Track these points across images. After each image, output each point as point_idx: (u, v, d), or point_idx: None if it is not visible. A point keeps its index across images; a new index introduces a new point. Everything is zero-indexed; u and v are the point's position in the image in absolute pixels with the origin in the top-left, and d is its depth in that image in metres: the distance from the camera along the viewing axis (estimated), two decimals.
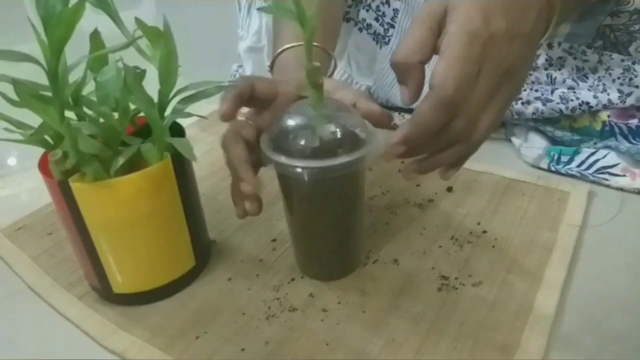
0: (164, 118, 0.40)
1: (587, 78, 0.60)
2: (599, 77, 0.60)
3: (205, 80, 0.42)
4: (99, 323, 0.42)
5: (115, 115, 0.39)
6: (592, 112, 0.59)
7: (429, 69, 0.36)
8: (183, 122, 0.43)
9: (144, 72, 0.40)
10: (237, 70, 0.83)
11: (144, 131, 0.41)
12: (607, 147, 0.57)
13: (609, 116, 0.58)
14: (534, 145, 0.62)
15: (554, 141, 0.62)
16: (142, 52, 0.39)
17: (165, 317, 0.42)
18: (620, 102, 0.57)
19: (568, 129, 0.62)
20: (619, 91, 0.58)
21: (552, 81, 0.62)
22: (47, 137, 0.39)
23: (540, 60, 0.62)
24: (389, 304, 0.42)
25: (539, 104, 0.61)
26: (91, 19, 0.37)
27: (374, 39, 0.70)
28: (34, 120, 0.37)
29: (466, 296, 0.42)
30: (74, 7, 0.31)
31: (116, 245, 0.40)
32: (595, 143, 0.59)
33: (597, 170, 0.56)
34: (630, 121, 0.58)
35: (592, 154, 0.57)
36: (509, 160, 0.62)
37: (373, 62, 0.72)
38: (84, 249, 0.40)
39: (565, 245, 0.47)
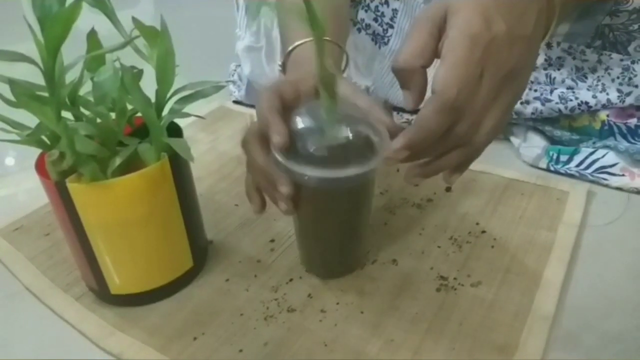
0: (161, 118, 0.40)
1: (586, 78, 0.60)
2: (598, 76, 0.59)
3: (203, 80, 0.41)
4: (96, 324, 0.41)
5: (113, 115, 0.39)
6: (591, 111, 0.59)
7: (430, 73, 0.35)
8: (181, 122, 0.43)
9: (141, 72, 0.40)
10: (235, 70, 0.83)
11: (141, 131, 0.41)
12: (606, 146, 0.57)
13: (608, 116, 0.58)
14: (533, 144, 0.61)
15: (553, 141, 0.62)
16: (139, 51, 0.39)
17: (162, 318, 0.42)
18: (620, 101, 0.57)
19: (567, 128, 0.62)
20: (618, 91, 0.58)
21: (551, 81, 0.62)
22: (43, 138, 0.39)
23: (540, 60, 0.62)
24: (387, 305, 0.42)
25: (538, 104, 0.61)
26: (88, 19, 0.37)
27: (372, 40, 0.70)
28: (30, 120, 0.36)
29: (465, 296, 0.42)
30: (71, 7, 0.30)
31: (113, 246, 0.40)
32: (594, 143, 0.59)
33: (596, 170, 0.56)
34: (629, 121, 0.57)
35: (591, 153, 0.57)
36: (508, 160, 0.62)
37: (372, 62, 0.72)
38: (81, 249, 0.40)
39: (564, 245, 0.47)
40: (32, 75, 0.34)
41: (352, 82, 0.73)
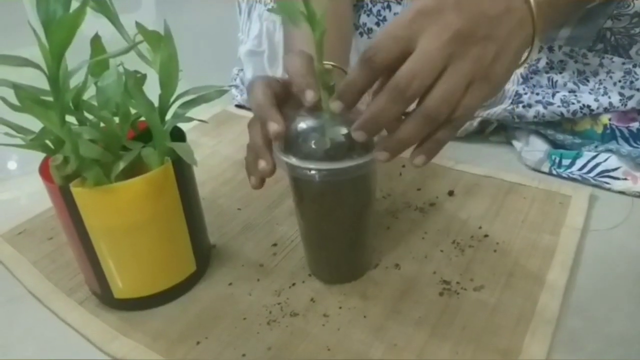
0: (164, 122, 0.40)
1: (588, 81, 0.60)
2: (599, 80, 0.60)
3: (206, 85, 0.42)
4: (100, 328, 0.41)
5: (116, 119, 0.39)
6: (593, 115, 0.59)
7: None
8: (184, 126, 0.43)
9: (144, 76, 0.40)
10: (237, 74, 0.83)
11: (144, 136, 0.41)
12: (608, 150, 0.57)
13: (610, 119, 0.58)
14: (535, 148, 0.61)
15: (555, 144, 0.62)
16: (142, 56, 0.39)
17: (166, 322, 0.42)
18: (622, 105, 0.57)
19: (569, 132, 0.62)
20: (620, 94, 0.58)
21: (553, 84, 0.62)
22: (47, 142, 0.39)
23: (541, 64, 0.62)
24: (390, 309, 0.42)
25: (540, 108, 0.61)
26: (92, 23, 0.37)
27: None
28: (34, 125, 0.37)
29: (468, 301, 0.42)
30: (75, 12, 0.31)
31: (117, 250, 0.40)
32: (596, 146, 0.59)
33: (599, 174, 0.56)
34: (631, 124, 0.57)
35: (594, 157, 0.57)
36: (510, 164, 0.62)
37: None
38: (85, 253, 0.40)
39: (567, 248, 0.47)
40: (37, 79, 0.34)
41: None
